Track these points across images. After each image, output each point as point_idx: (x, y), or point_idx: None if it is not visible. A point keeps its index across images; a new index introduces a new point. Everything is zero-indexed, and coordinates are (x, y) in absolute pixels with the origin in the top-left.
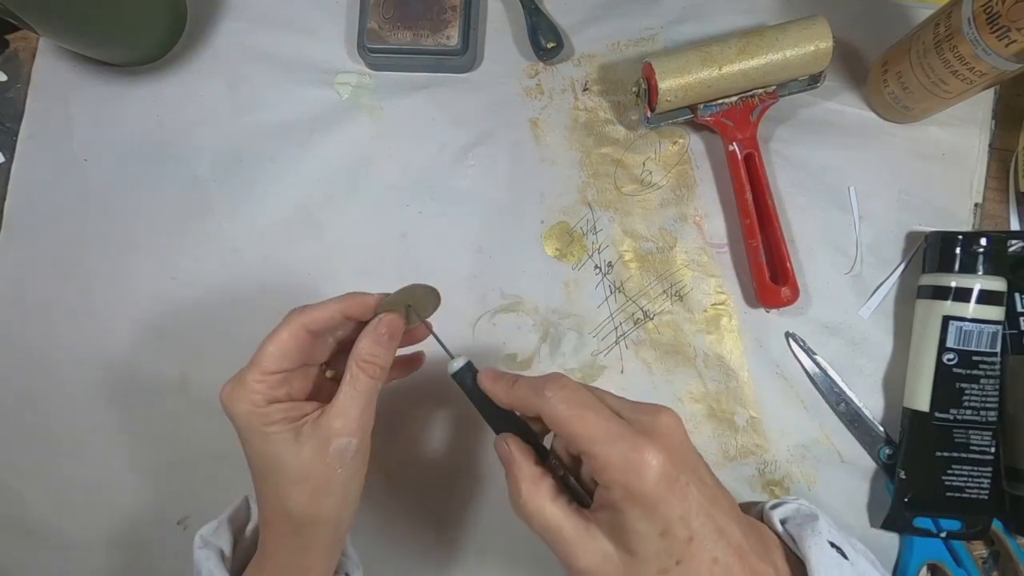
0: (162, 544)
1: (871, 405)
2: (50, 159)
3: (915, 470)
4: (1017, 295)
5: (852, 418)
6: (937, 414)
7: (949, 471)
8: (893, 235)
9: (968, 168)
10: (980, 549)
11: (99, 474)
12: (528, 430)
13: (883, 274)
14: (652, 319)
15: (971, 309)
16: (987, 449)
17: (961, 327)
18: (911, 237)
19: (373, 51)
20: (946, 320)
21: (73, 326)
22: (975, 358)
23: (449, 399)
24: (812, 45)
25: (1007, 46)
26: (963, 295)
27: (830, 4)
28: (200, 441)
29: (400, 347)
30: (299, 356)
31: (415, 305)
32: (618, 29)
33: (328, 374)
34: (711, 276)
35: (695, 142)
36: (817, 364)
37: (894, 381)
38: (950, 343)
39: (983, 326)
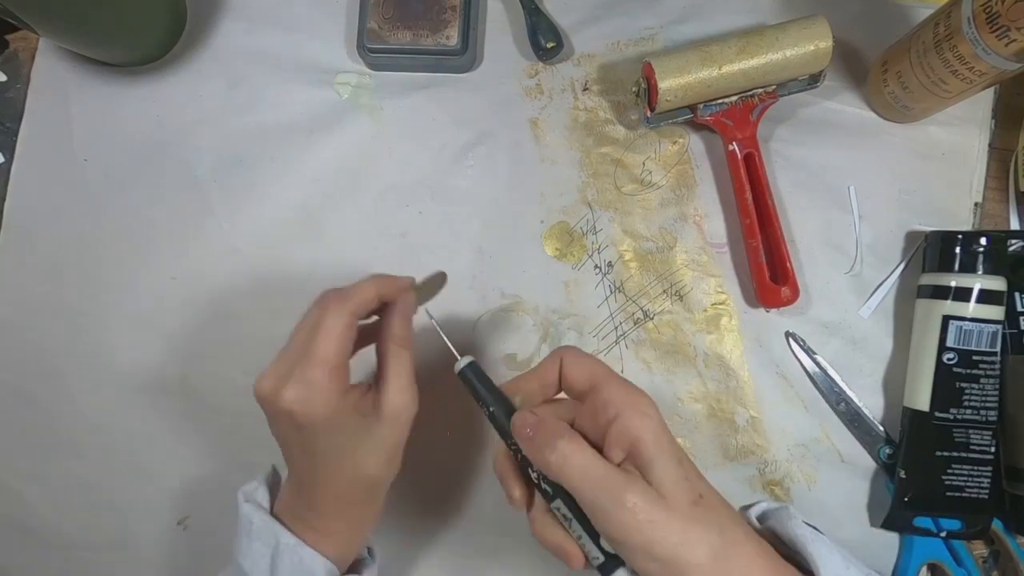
0: (162, 544)
1: (871, 405)
2: (50, 159)
3: (915, 470)
4: (1017, 295)
5: (852, 418)
6: (937, 414)
7: (949, 471)
8: (893, 235)
9: (968, 168)
10: (980, 549)
11: (99, 474)
12: None
13: (883, 274)
14: (652, 319)
15: (971, 309)
16: (987, 449)
17: (961, 327)
18: (911, 237)
19: (373, 51)
20: (946, 320)
21: (73, 326)
22: (975, 358)
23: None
24: (812, 45)
25: (1007, 45)
26: (963, 295)
27: (830, 4)
28: (200, 441)
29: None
30: (351, 343)
31: (422, 290)
32: (618, 29)
33: None
34: (711, 276)
35: (695, 142)
36: (817, 364)
37: (894, 381)
38: (950, 343)
39: (983, 325)
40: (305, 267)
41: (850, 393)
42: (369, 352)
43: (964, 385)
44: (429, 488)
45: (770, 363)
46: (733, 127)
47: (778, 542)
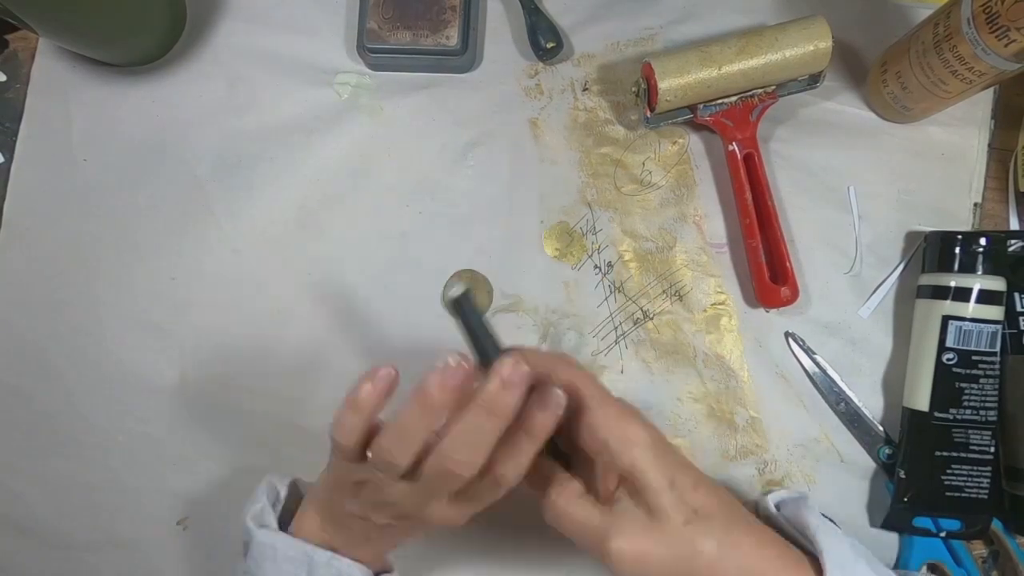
0: (162, 544)
1: (871, 405)
2: (50, 159)
3: (915, 470)
4: (1017, 295)
5: (852, 418)
6: (937, 414)
7: (949, 471)
8: (893, 235)
9: (967, 168)
10: (980, 549)
11: (99, 474)
12: None
13: (883, 274)
14: (652, 319)
15: (971, 309)
16: (987, 449)
17: (961, 327)
18: (911, 237)
19: (373, 51)
20: (946, 320)
21: (72, 326)
22: (975, 358)
23: None
24: (811, 45)
25: (1006, 46)
26: (963, 295)
27: (830, 4)
28: (200, 441)
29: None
30: None
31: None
32: (618, 29)
33: None
34: (711, 276)
35: (695, 142)
36: (817, 364)
37: (894, 381)
38: (950, 343)
39: (983, 326)
40: (305, 267)
41: (850, 393)
42: None
43: (964, 385)
44: None
45: (770, 363)
46: (733, 127)
47: (793, 530)
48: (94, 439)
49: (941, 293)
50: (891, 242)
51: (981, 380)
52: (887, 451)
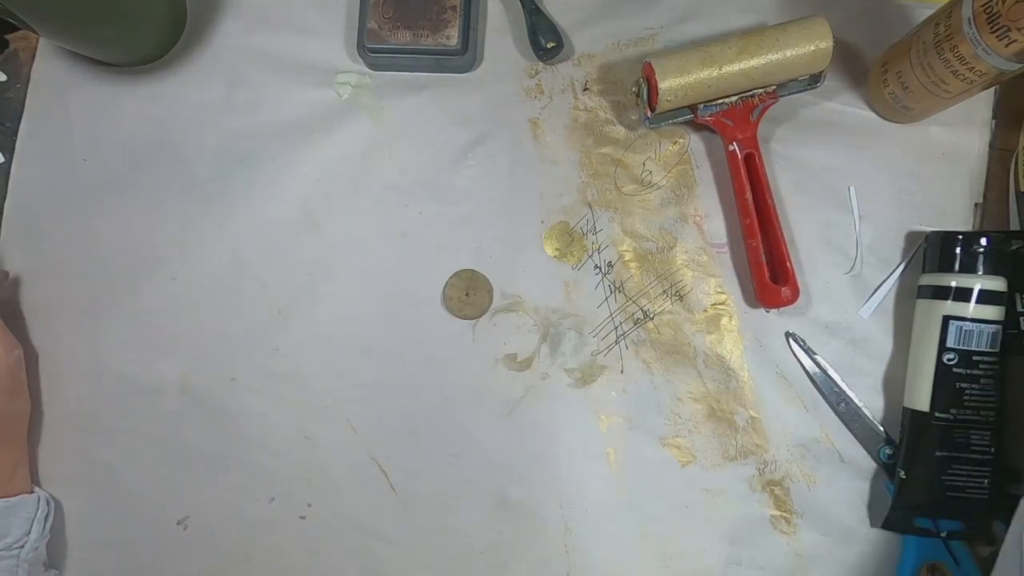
0: (162, 544)
1: (871, 405)
2: (50, 159)
3: (915, 470)
4: (1017, 295)
5: (852, 418)
6: (937, 414)
7: (949, 471)
8: (893, 235)
9: (968, 168)
10: (980, 549)
11: (99, 474)
12: None
13: (883, 274)
14: (652, 319)
15: (971, 309)
16: (987, 449)
17: (961, 327)
18: (911, 237)
19: (373, 51)
20: (946, 320)
21: (72, 326)
22: (975, 358)
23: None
24: (812, 45)
25: (1007, 46)
26: (963, 295)
27: (830, 4)
28: (200, 441)
29: None
30: None
31: None
32: (618, 29)
33: None
34: (711, 276)
35: (695, 142)
36: (817, 364)
37: (894, 381)
38: (950, 343)
39: (983, 326)
40: (305, 267)
41: (850, 393)
42: None
43: (964, 385)
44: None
45: (770, 363)
46: (733, 127)
47: None
48: (94, 439)
49: (942, 293)
50: (892, 242)
51: (982, 380)
52: (887, 451)
